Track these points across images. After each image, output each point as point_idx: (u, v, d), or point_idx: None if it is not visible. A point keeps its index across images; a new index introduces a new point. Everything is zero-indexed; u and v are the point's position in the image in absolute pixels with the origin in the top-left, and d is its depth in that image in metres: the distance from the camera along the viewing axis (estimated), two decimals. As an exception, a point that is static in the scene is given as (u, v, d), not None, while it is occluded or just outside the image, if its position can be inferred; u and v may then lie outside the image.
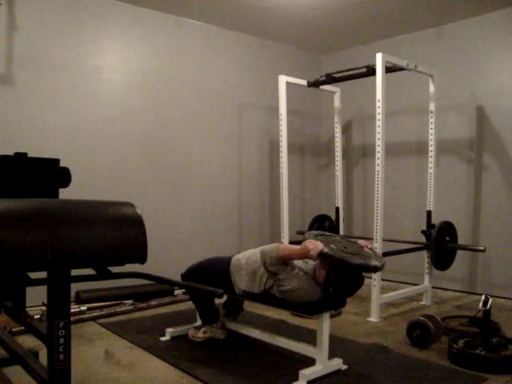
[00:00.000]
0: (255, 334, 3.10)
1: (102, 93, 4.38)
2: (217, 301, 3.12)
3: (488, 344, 2.82)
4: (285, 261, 2.71)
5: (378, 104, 3.70)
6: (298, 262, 2.80)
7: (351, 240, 2.87)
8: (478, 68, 4.72)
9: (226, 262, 3.04)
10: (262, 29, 5.23)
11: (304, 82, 4.78)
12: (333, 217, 5.28)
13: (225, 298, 3.36)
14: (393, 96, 4.35)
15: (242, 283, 2.90)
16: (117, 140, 4.46)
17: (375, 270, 2.67)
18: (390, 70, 4.02)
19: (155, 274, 1.86)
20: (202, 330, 3.22)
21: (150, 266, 2.11)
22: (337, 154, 5.24)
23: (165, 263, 4.25)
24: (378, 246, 3.69)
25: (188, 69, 4.94)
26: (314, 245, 2.53)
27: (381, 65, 3.69)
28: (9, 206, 1.57)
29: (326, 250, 2.51)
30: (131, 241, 1.73)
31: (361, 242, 2.83)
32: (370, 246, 2.79)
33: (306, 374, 2.54)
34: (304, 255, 2.62)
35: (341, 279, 2.58)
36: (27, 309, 2.72)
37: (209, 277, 3.02)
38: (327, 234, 2.89)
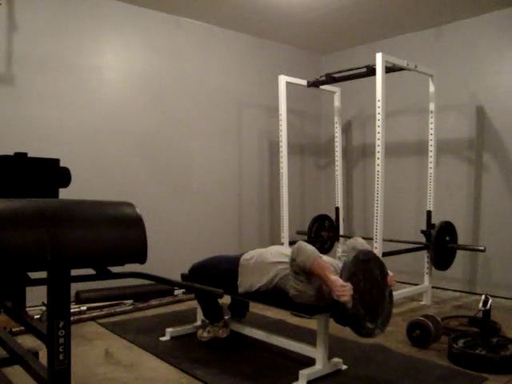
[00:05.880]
0: (255, 334, 3.10)
1: (101, 93, 4.38)
2: (222, 301, 3.11)
3: (488, 344, 2.82)
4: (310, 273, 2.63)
5: (378, 104, 3.70)
6: None
7: (384, 274, 2.61)
8: (477, 68, 4.72)
9: (232, 261, 3.02)
10: (262, 29, 5.23)
11: (304, 82, 4.78)
12: (333, 217, 5.27)
13: (229, 299, 3.36)
14: (393, 96, 4.35)
15: (248, 283, 2.88)
16: (117, 140, 4.46)
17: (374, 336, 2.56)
18: (389, 70, 4.02)
19: (155, 274, 1.86)
20: (207, 329, 3.21)
21: (150, 266, 2.11)
22: (337, 154, 5.24)
23: (165, 263, 4.24)
24: (378, 246, 3.69)
25: (188, 69, 4.94)
26: (343, 293, 2.39)
27: (381, 65, 3.69)
28: (9, 205, 1.57)
29: (347, 303, 2.40)
30: (131, 241, 1.73)
31: (390, 277, 2.63)
32: (394, 287, 2.65)
33: (306, 374, 2.54)
34: (329, 287, 2.49)
35: (343, 313, 2.49)
36: (27, 309, 2.72)
37: (213, 275, 3.01)
38: (371, 260, 2.58)
